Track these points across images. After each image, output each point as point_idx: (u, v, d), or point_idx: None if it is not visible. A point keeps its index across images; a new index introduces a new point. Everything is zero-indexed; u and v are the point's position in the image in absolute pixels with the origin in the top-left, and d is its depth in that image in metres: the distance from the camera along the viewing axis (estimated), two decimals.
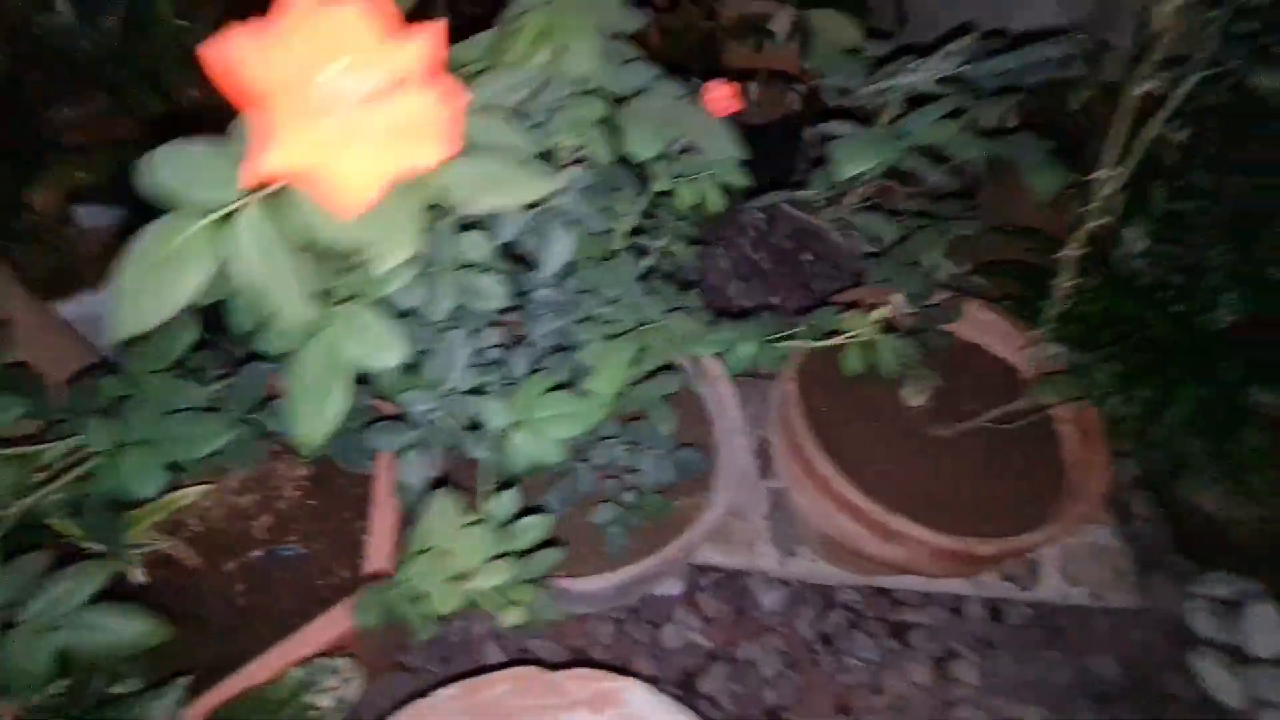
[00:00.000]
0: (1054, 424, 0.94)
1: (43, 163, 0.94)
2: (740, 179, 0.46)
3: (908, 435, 0.90)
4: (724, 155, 0.44)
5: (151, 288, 0.27)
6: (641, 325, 0.55)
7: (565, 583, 0.71)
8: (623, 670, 0.61)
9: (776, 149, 1.53)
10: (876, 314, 0.59)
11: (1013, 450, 0.91)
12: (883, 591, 1.05)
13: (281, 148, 0.23)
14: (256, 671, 0.59)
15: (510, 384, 0.51)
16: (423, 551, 0.43)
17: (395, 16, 0.24)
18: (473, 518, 0.45)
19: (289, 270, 0.28)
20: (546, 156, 0.42)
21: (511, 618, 0.46)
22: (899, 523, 0.76)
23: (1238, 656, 1.03)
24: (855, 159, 0.49)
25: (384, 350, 0.34)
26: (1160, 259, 0.98)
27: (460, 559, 0.43)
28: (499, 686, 0.57)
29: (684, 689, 0.94)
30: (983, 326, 1.00)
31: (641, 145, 0.42)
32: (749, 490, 1.08)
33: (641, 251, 0.66)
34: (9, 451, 0.51)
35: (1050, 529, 0.77)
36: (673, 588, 1.03)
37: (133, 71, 1.04)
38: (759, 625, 1.01)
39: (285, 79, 0.23)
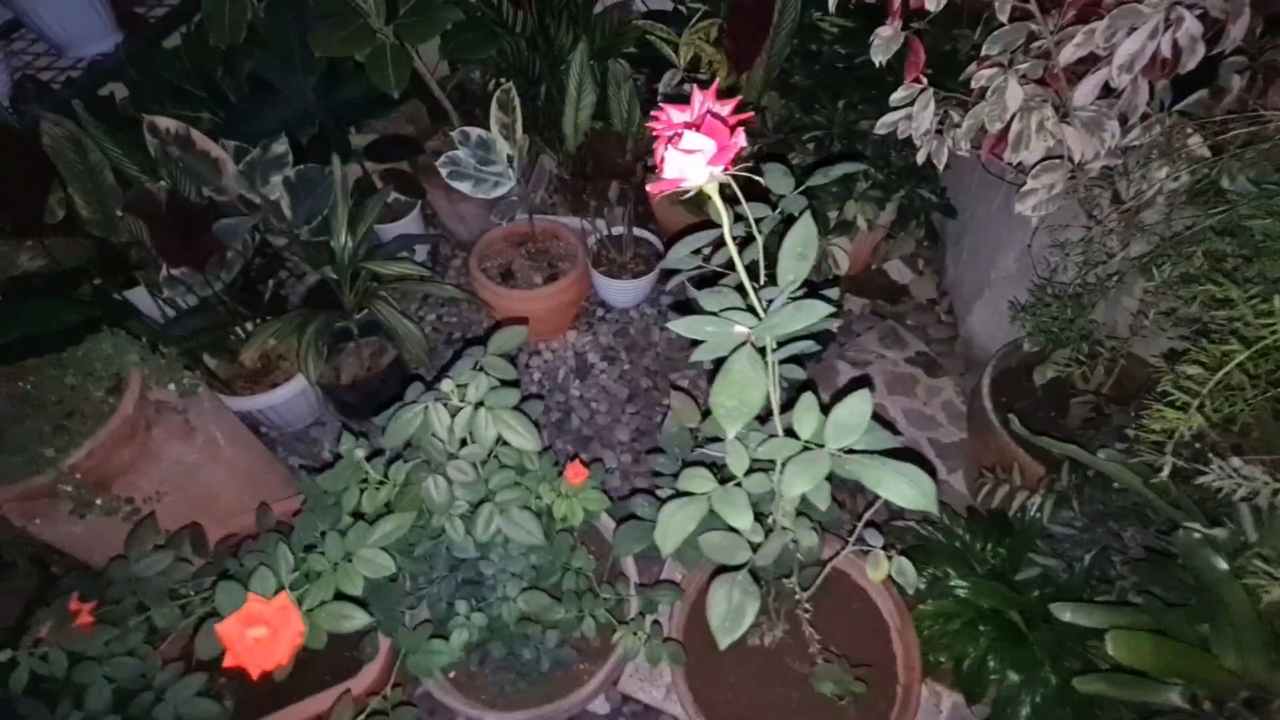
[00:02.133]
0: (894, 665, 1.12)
1: (258, 331, 1.48)
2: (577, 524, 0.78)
3: (768, 664, 1.13)
4: (533, 544, 0.77)
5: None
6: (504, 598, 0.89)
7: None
8: None
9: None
10: (645, 633, 0.87)
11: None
12: None
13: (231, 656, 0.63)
14: None
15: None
16: None
17: (282, 603, 0.63)
18: None
19: None
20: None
21: None
22: None
23: None
24: (628, 544, 0.78)
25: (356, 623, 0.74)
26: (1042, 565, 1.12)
27: None
28: None
29: None
30: (860, 570, 1.19)
31: (480, 533, 0.77)
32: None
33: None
34: None
35: None
36: (600, 707, 1.36)
37: (316, 252, 1.57)
38: None
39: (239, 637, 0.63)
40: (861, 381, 1.78)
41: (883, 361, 1.85)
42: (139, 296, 1.50)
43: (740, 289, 0.61)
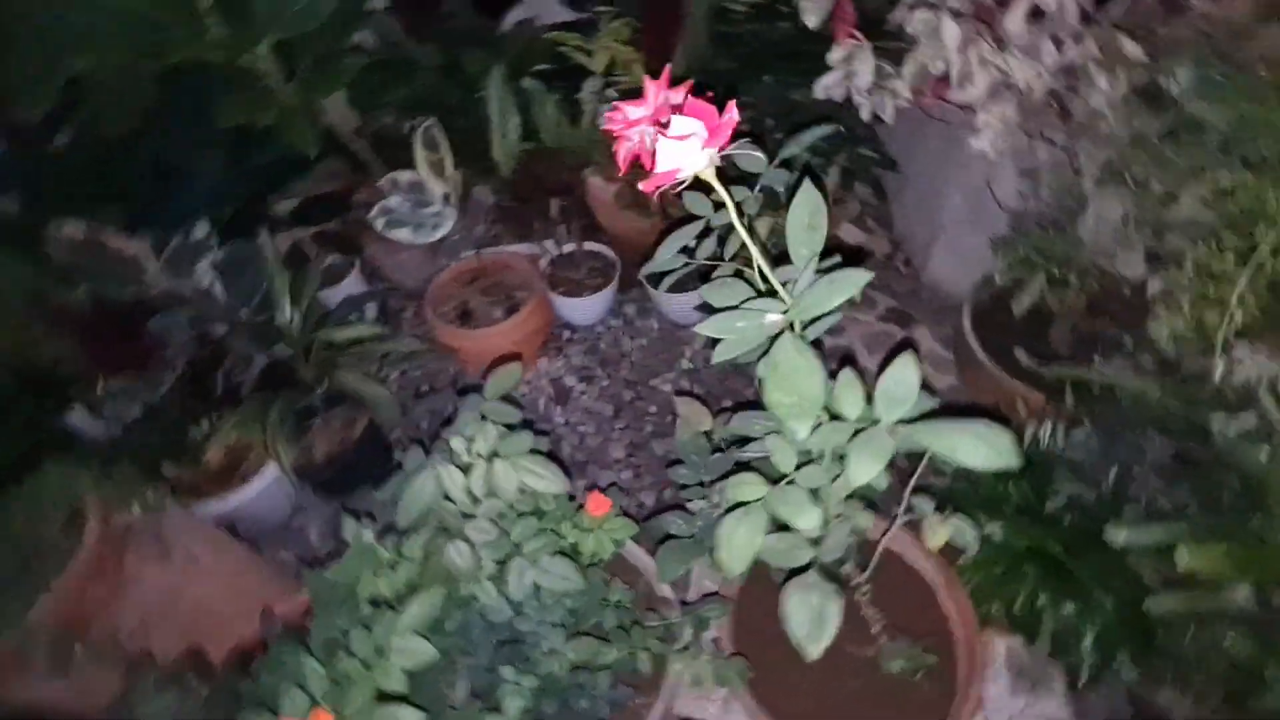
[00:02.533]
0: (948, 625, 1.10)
1: (217, 427, 1.38)
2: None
3: (830, 659, 1.10)
4: (571, 589, 0.71)
5: None
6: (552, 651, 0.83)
7: None
8: None
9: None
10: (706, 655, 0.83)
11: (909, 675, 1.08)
12: None
13: None
14: None
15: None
16: None
17: None
18: None
19: None
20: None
21: None
22: None
23: None
24: (671, 566, 0.74)
25: None
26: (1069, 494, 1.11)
27: None
28: None
29: None
30: (907, 545, 1.17)
31: (514, 590, 0.71)
32: None
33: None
34: None
35: None
36: None
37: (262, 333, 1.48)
38: None
39: None
40: (844, 351, 1.77)
41: (856, 324, 1.85)
42: (79, 419, 1.38)
43: (740, 275, 0.57)
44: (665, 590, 1.09)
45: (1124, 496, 1.06)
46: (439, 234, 1.61)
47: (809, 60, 1.14)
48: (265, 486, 1.57)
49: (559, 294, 1.86)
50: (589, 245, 1.91)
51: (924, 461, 0.66)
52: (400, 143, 1.93)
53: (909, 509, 0.67)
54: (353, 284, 1.97)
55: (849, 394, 0.48)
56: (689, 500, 0.83)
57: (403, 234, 1.60)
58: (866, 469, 0.43)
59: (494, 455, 0.64)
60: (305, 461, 1.64)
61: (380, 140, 1.99)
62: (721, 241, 0.69)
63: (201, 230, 1.40)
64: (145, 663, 0.87)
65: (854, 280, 0.45)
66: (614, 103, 0.56)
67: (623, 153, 0.67)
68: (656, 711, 1.05)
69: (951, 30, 0.90)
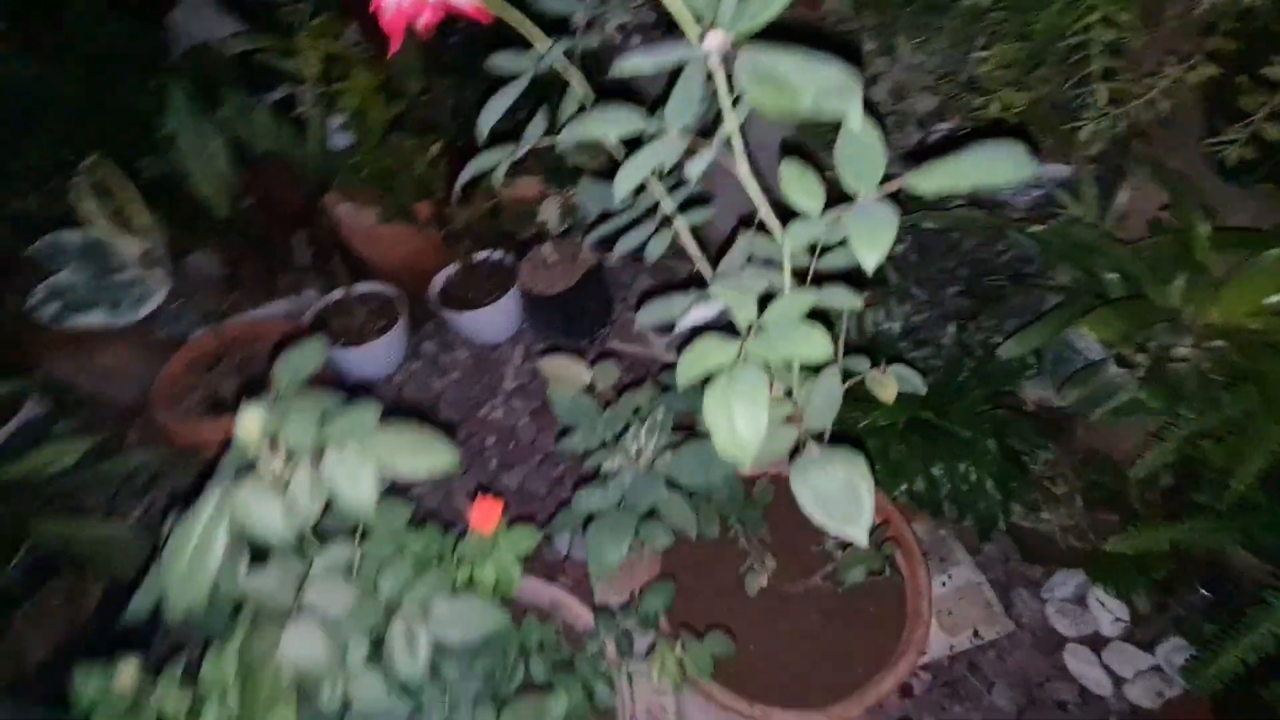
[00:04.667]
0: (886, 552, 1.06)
1: None
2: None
3: (767, 605, 1.00)
4: (486, 631, 0.50)
5: None
6: None
7: None
8: None
9: (586, 303, 1.63)
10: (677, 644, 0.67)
11: (860, 587, 1.02)
12: None
13: None
14: None
15: None
16: None
17: None
18: None
19: None
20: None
21: None
22: (767, 712, 0.85)
23: (1097, 643, 1.20)
24: (609, 549, 0.57)
25: None
26: (915, 361, 1.14)
27: None
28: None
29: None
30: None
31: (408, 665, 0.47)
32: None
33: None
34: None
35: (900, 665, 0.88)
36: None
37: None
38: None
39: None
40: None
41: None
42: None
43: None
44: (585, 616, 0.88)
45: (967, 346, 1.11)
46: (147, 307, 1.23)
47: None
48: None
49: (338, 348, 1.54)
50: (361, 287, 1.62)
51: (844, 320, 0.58)
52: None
53: (847, 375, 0.58)
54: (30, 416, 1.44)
55: (797, 184, 0.36)
56: (598, 467, 0.65)
57: (94, 318, 1.19)
58: (872, 250, 0.31)
59: (320, 448, 0.40)
60: (17, 669, 1.12)
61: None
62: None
63: None
64: None
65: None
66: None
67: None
68: None
69: None
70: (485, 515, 0.60)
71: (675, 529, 0.61)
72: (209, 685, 0.45)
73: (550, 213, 1.36)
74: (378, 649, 0.50)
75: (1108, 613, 1.23)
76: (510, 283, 1.60)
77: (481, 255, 1.67)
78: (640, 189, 0.56)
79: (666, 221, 0.56)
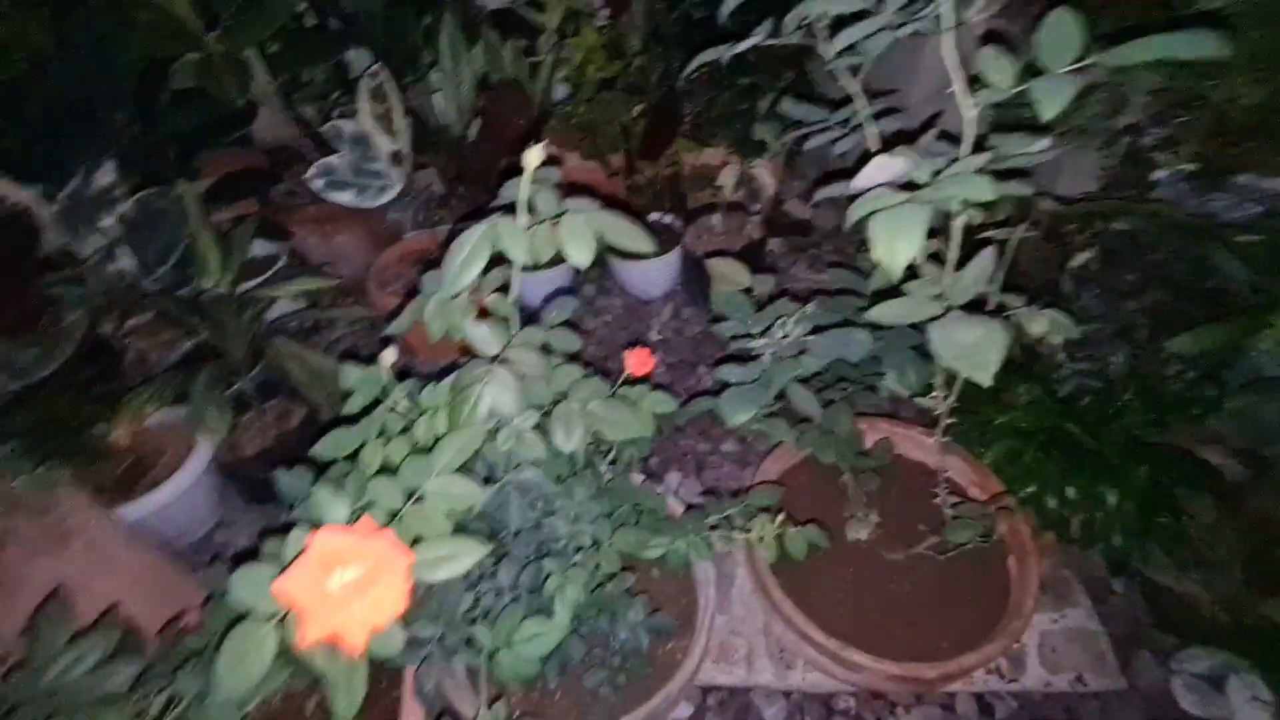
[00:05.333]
0: (999, 540, 1.05)
1: (120, 401, 1.15)
2: (643, 451, 0.60)
3: (864, 562, 1.02)
4: (633, 436, 0.59)
5: (238, 669, 0.43)
6: (596, 543, 0.69)
7: None
8: None
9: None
10: (778, 521, 0.73)
11: (962, 566, 1.01)
12: (878, 695, 1.14)
13: (311, 625, 0.40)
14: None
15: (497, 611, 0.66)
16: None
17: (371, 528, 0.42)
18: None
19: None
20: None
21: None
22: (850, 653, 0.87)
23: None
24: (737, 412, 0.64)
25: (391, 646, 0.50)
26: (1075, 372, 1.10)
27: None
28: None
29: None
30: (928, 449, 1.12)
31: (563, 441, 0.58)
32: (743, 609, 1.20)
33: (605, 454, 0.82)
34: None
35: (988, 648, 0.87)
36: (682, 711, 1.14)
37: (183, 305, 1.27)
38: None
39: (313, 590, 0.40)
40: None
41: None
42: None
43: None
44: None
45: (1133, 368, 1.06)
46: (385, 197, 1.48)
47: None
48: (181, 491, 1.31)
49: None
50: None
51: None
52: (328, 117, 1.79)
53: (1001, 309, 0.62)
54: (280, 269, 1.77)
55: (997, 61, 0.41)
56: (742, 351, 0.73)
57: (345, 197, 1.45)
58: (1051, 106, 0.37)
59: (560, 214, 0.51)
60: (233, 458, 1.40)
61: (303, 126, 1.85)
62: None
63: (107, 176, 1.20)
64: (59, 611, 0.65)
65: None
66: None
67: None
68: (694, 654, 0.91)
69: None
70: (640, 362, 0.70)
71: (800, 411, 0.67)
72: (427, 404, 0.59)
73: (728, 179, 1.46)
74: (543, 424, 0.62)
75: (1252, 701, 1.11)
76: (675, 243, 1.72)
77: (653, 216, 1.80)
78: (844, 101, 0.63)
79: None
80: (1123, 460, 1.03)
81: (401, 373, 0.71)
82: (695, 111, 1.63)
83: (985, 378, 0.43)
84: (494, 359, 0.55)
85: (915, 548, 0.98)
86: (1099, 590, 1.24)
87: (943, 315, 0.47)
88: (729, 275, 0.78)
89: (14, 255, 1.10)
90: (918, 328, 0.50)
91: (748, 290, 0.77)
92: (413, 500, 0.49)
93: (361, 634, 0.40)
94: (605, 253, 1.78)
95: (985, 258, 0.52)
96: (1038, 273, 1.06)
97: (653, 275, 1.77)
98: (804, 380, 0.69)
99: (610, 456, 0.83)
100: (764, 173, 1.51)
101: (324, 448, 0.61)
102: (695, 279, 1.75)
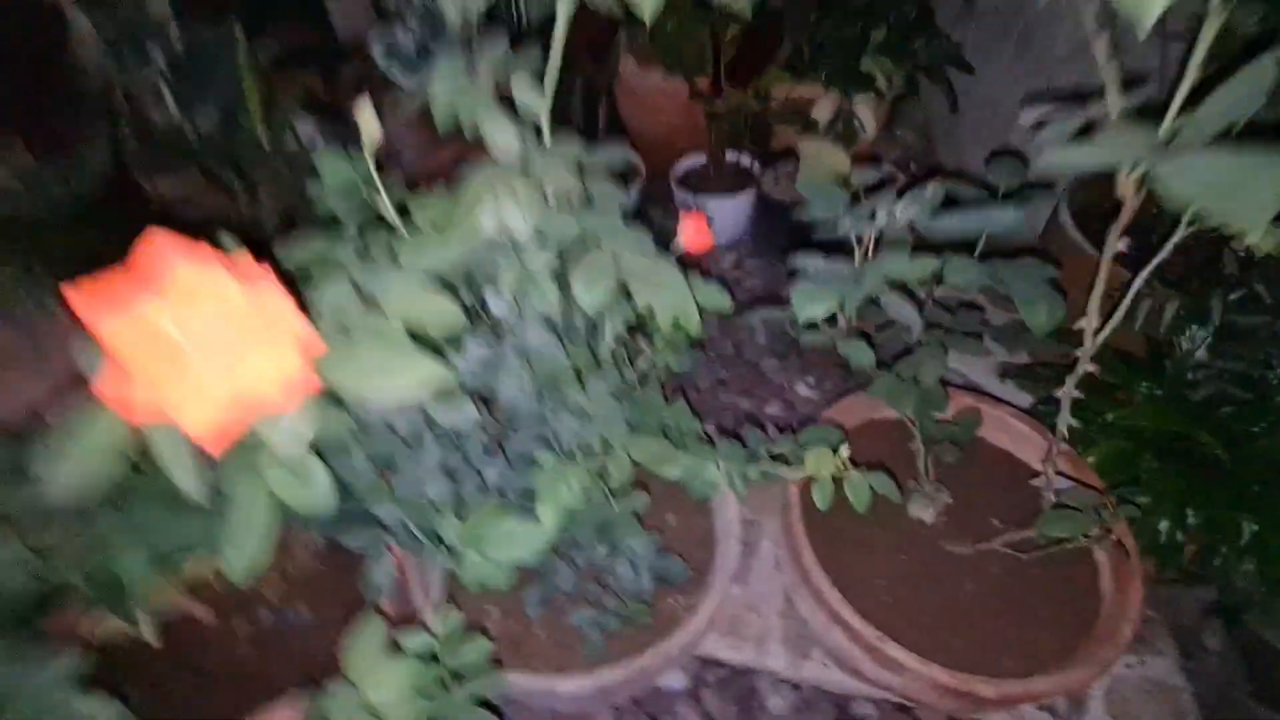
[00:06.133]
0: (1090, 549, 0.87)
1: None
2: (695, 328, 0.47)
3: (921, 549, 0.86)
4: (678, 308, 0.45)
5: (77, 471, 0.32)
6: (607, 447, 0.56)
7: (546, 680, 0.72)
8: None
9: None
10: (841, 453, 0.58)
11: (1040, 574, 0.84)
12: (904, 709, 0.99)
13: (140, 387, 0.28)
14: None
15: (472, 499, 0.54)
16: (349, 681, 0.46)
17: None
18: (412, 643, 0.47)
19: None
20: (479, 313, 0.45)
21: None
22: (891, 648, 0.72)
23: None
24: (813, 303, 0.49)
25: (311, 493, 0.38)
26: (1220, 373, 0.90)
27: (377, 692, 0.45)
28: None
29: None
30: (1016, 435, 0.95)
31: (583, 293, 0.44)
32: (763, 584, 1.05)
33: (630, 361, 0.68)
34: None
35: (1067, 674, 0.71)
36: (675, 681, 1.01)
37: (221, 156, 1.19)
38: None
39: (140, 328, 0.27)
40: None
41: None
42: None
43: None
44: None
45: None
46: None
47: None
48: None
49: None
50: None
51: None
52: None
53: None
54: None
55: None
56: (823, 240, 0.58)
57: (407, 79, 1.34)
58: None
59: None
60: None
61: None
62: None
63: (158, 5, 1.12)
64: None
65: None
66: None
67: None
68: (702, 613, 0.77)
69: None
70: (697, 231, 0.56)
71: (892, 316, 0.52)
72: (415, 209, 0.47)
73: (824, 113, 1.28)
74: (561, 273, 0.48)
75: None
76: (749, 185, 1.56)
77: (730, 156, 1.64)
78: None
79: None
80: (1266, 487, 0.84)
81: None
82: (795, 36, 1.45)
83: (1259, 223, 0.28)
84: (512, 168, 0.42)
85: (987, 542, 0.81)
86: (1188, 641, 1.05)
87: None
88: (822, 158, 0.62)
89: (54, 80, 1.03)
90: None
91: (844, 180, 0.62)
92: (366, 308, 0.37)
93: (229, 410, 0.28)
94: (678, 186, 1.63)
95: (1254, 71, 0.35)
96: (1194, 246, 0.86)
97: (723, 215, 1.61)
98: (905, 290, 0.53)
99: (640, 368, 0.70)
100: (866, 112, 1.32)
101: (289, 252, 0.49)
102: (766, 229, 1.59)
